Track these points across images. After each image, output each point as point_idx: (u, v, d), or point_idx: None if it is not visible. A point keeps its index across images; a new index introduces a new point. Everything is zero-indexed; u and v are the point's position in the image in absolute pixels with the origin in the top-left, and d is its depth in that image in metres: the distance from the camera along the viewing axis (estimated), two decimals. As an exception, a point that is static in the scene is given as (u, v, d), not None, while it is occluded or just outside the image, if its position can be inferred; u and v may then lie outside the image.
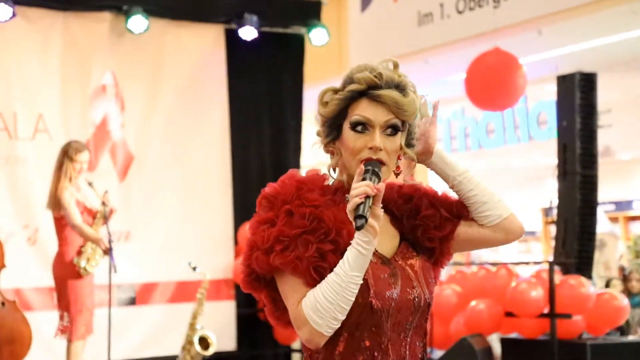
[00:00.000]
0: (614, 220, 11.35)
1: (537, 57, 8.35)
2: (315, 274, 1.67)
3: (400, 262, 1.79)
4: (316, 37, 7.88)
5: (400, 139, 1.77)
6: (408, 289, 1.76)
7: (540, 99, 10.23)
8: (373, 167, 1.68)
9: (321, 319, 1.65)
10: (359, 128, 1.74)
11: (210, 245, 7.70)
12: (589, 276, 6.76)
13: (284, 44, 8.14)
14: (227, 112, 7.91)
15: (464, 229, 1.85)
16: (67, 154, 5.89)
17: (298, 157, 8.20)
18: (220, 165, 7.85)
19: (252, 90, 8.03)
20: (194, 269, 6.96)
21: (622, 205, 11.73)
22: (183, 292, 7.58)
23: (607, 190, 10.05)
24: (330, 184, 1.79)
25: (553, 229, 8.60)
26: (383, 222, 1.68)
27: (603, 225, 8.40)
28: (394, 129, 1.75)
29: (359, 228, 1.60)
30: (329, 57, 9.15)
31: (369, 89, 1.74)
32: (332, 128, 1.79)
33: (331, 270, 1.67)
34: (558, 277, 6.34)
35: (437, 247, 1.84)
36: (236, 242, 7.85)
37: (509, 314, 6.45)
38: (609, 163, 9.91)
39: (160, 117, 7.67)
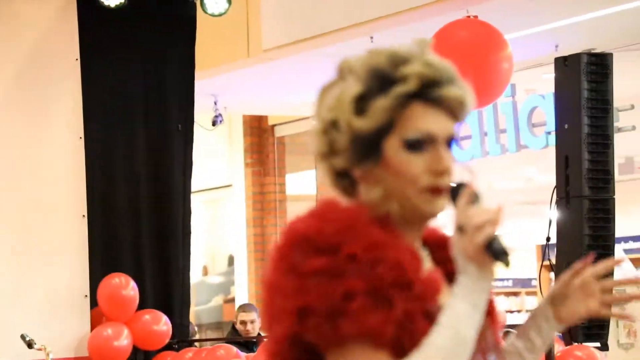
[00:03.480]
0: None
1: (529, 31, 8.10)
2: (406, 341, 1.63)
3: None
4: (212, 2, 7.50)
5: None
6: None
7: (534, 90, 9.77)
8: (468, 191, 1.73)
9: None
10: (416, 147, 1.73)
11: (55, 308, 7.27)
12: (604, 344, 6.53)
13: (165, 11, 7.69)
14: (80, 112, 7.41)
15: None
16: None
17: (189, 175, 7.70)
18: (71, 188, 7.39)
19: (118, 80, 7.61)
20: (30, 344, 6.54)
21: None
22: (13, 379, 6.96)
23: (628, 221, 10.23)
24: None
25: (552, 277, 8.86)
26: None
27: (625, 271, 8.12)
28: (451, 140, 1.78)
29: (506, 264, 1.67)
30: (232, 31, 8.73)
31: (424, 88, 1.71)
32: (369, 148, 1.72)
33: (421, 337, 1.66)
34: (559, 347, 6.18)
35: None
36: (94, 303, 7.26)
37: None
38: (632, 181, 10.26)
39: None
